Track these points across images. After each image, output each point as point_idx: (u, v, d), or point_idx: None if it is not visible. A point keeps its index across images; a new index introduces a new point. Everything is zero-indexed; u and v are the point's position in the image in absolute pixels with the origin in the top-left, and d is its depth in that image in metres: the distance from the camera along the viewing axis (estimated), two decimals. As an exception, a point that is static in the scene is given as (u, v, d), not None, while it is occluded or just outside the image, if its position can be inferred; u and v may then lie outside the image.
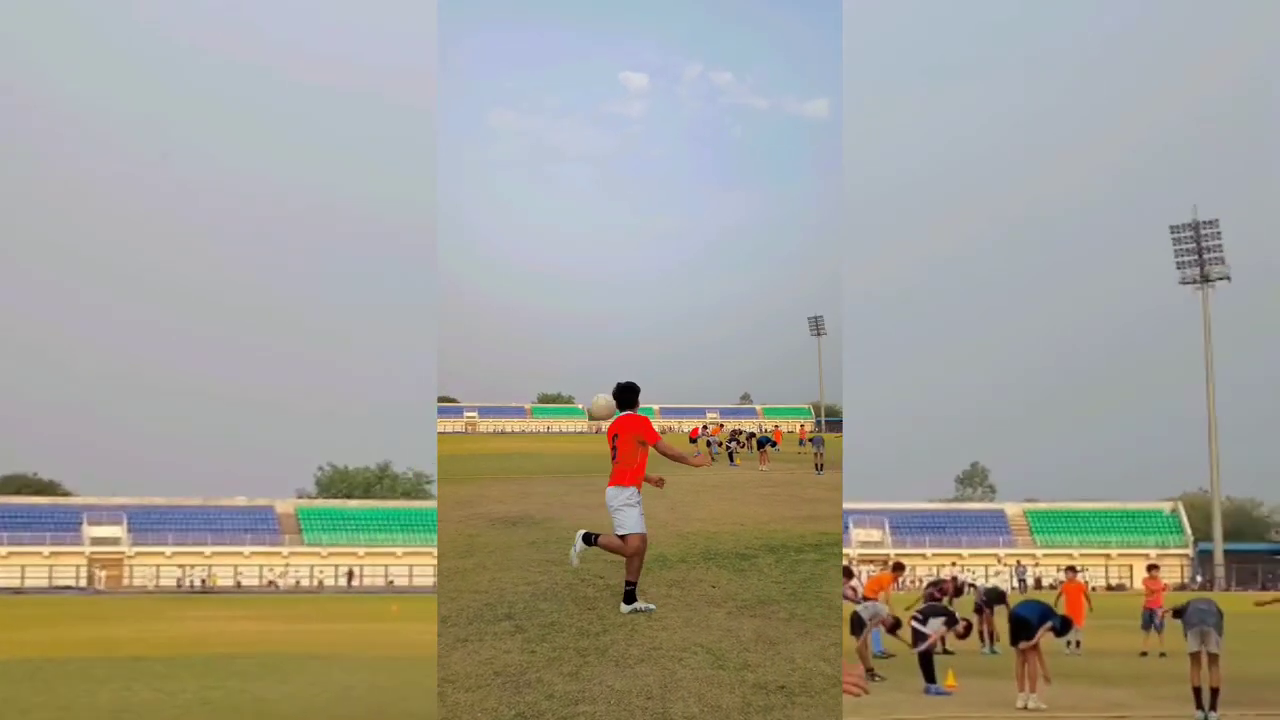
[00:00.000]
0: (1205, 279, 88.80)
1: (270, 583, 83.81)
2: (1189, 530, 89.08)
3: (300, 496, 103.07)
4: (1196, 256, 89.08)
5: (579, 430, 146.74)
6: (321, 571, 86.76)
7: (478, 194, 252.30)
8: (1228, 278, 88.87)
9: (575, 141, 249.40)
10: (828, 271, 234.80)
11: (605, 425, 13.86)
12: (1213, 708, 16.10)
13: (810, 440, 53.26)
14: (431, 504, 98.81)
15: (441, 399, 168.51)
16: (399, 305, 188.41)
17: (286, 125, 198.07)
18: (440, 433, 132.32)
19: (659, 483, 13.78)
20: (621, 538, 12.94)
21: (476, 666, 10.42)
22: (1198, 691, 16.25)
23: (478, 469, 48.76)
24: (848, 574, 22.11)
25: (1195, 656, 16.39)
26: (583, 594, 13.89)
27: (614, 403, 13.65)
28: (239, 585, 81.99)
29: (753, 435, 66.66)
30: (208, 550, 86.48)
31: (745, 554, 17.57)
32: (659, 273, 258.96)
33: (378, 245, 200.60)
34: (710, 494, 31.42)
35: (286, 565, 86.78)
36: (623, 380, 13.62)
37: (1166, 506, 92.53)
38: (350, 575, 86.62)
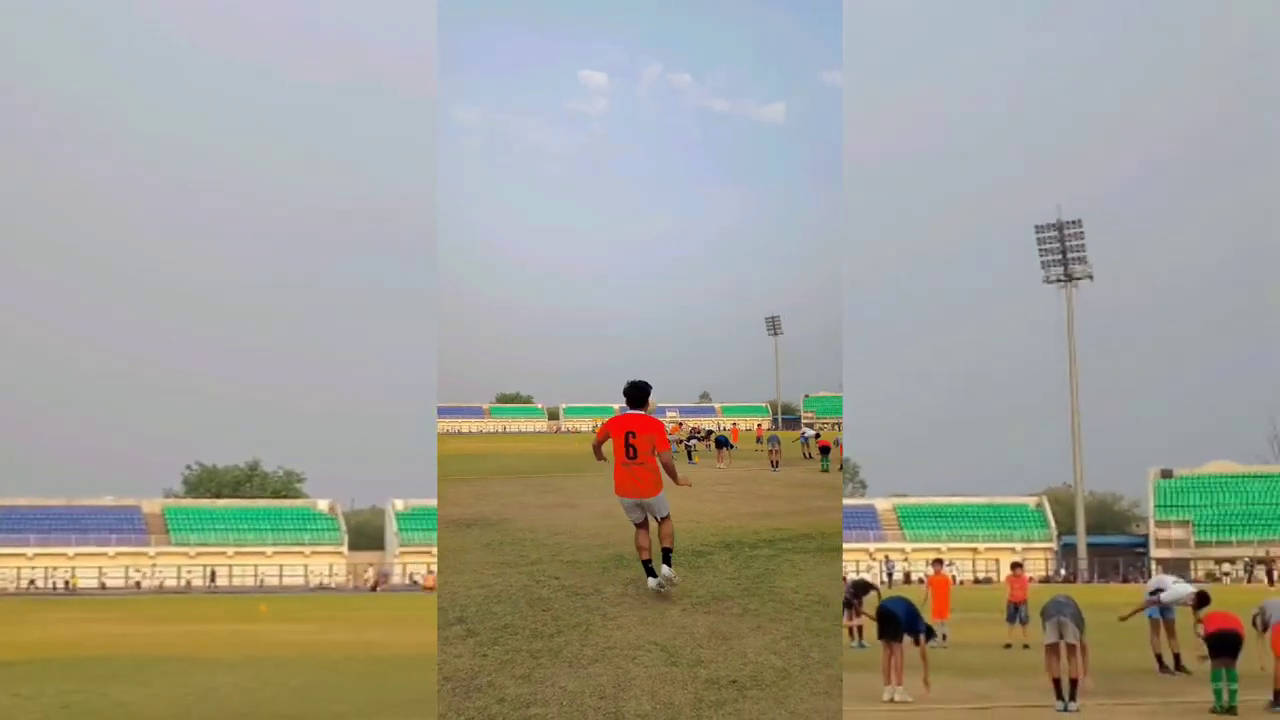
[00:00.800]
0: (1069, 278, 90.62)
1: (136, 584, 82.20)
2: (1053, 524, 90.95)
3: (168, 496, 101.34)
4: (1060, 256, 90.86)
5: (537, 430, 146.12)
6: (189, 572, 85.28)
7: (429, 189, 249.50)
8: (1090, 277, 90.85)
9: (536, 139, 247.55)
10: (786, 271, 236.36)
11: None
12: (1072, 698, 16.39)
13: (767, 439, 53.46)
14: (301, 503, 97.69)
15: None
16: (393, 308, 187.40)
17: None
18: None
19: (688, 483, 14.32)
20: (664, 520, 13.44)
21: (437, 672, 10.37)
22: (1057, 682, 16.53)
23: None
24: None
25: (1053, 648, 16.68)
26: (538, 595, 13.85)
27: None
28: (104, 587, 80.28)
29: (710, 433, 66.75)
30: (71, 551, 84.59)
31: (701, 551, 17.76)
32: (621, 272, 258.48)
33: (367, 248, 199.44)
34: (668, 492, 31.31)
35: (153, 566, 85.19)
36: (634, 379, 13.80)
37: (1031, 501, 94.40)
38: (213, 575, 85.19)
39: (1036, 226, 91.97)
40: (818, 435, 56.10)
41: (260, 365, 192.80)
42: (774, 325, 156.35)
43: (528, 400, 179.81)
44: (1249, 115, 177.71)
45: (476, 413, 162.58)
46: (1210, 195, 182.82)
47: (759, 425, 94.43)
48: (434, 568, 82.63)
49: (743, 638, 11.30)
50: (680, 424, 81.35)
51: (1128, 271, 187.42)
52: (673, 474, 13.67)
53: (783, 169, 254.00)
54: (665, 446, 13.39)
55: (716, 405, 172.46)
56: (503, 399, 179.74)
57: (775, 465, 47.14)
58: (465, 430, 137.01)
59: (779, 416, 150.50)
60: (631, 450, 13.25)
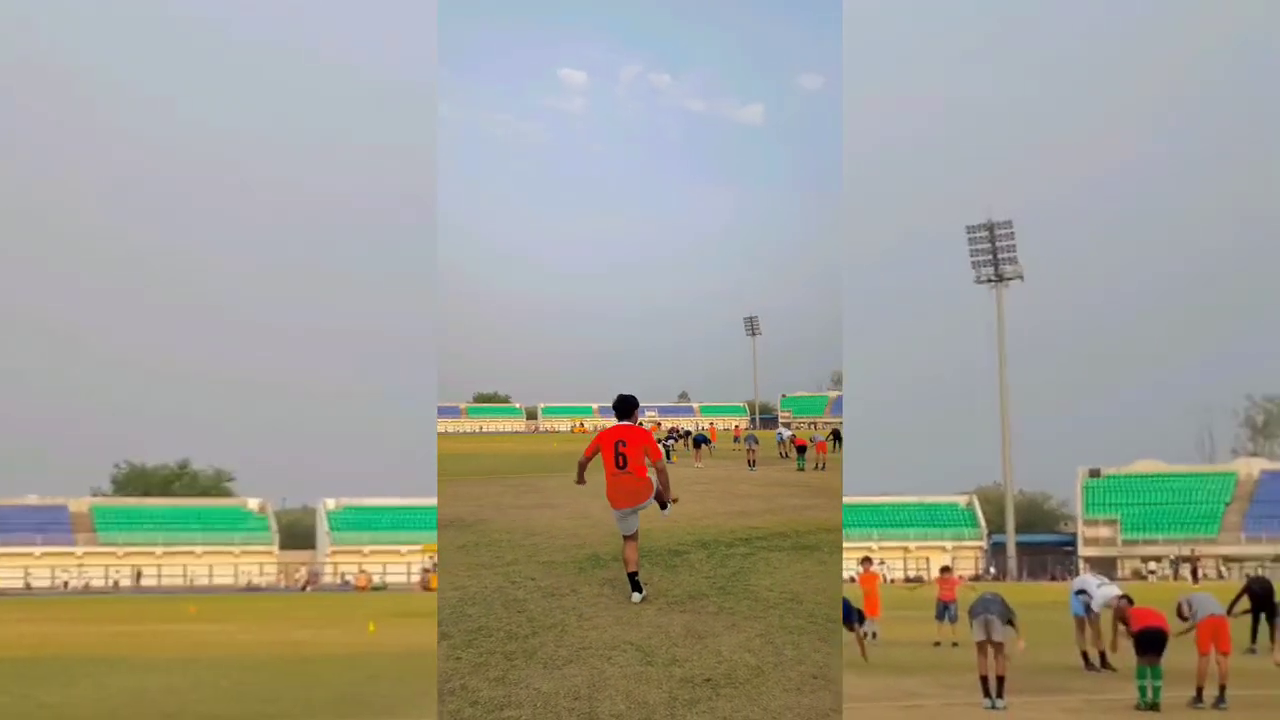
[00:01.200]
0: (999, 278, 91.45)
1: (64, 584, 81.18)
2: (983, 523, 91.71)
3: (96, 495, 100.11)
4: (991, 257, 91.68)
5: (515, 430, 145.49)
6: (117, 572, 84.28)
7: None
8: (1021, 277, 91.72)
9: (513, 136, 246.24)
10: (764, 272, 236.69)
11: None
12: (999, 694, 16.58)
13: (744, 438, 53.53)
14: (231, 502, 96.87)
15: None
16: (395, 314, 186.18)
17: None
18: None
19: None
20: (631, 538, 13.66)
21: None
22: (985, 680, 16.72)
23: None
24: None
25: (981, 646, 16.86)
26: (513, 596, 13.83)
27: None
28: (29, 587, 79.19)
29: (689, 433, 66.83)
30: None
31: (678, 550, 17.77)
32: (599, 272, 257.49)
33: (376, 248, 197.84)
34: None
35: (80, 566, 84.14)
36: (619, 388, 14.22)
37: (962, 500, 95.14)
38: (139, 575, 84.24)
39: (968, 227, 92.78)
40: (794, 435, 56.23)
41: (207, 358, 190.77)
42: (752, 326, 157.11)
43: (505, 400, 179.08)
44: (1187, 118, 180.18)
45: (454, 412, 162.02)
46: (1144, 197, 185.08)
47: (736, 426, 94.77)
48: (365, 568, 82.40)
49: (718, 636, 11.40)
50: (658, 424, 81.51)
51: (1059, 272, 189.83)
52: (665, 485, 13.83)
53: (761, 170, 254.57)
54: (657, 455, 13.58)
55: (695, 405, 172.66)
56: (480, 399, 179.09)
57: (752, 465, 47.31)
58: (443, 430, 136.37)
59: (757, 416, 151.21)
60: (621, 459, 13.41)
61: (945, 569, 29.59)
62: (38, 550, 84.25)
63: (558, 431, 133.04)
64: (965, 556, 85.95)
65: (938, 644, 25.85)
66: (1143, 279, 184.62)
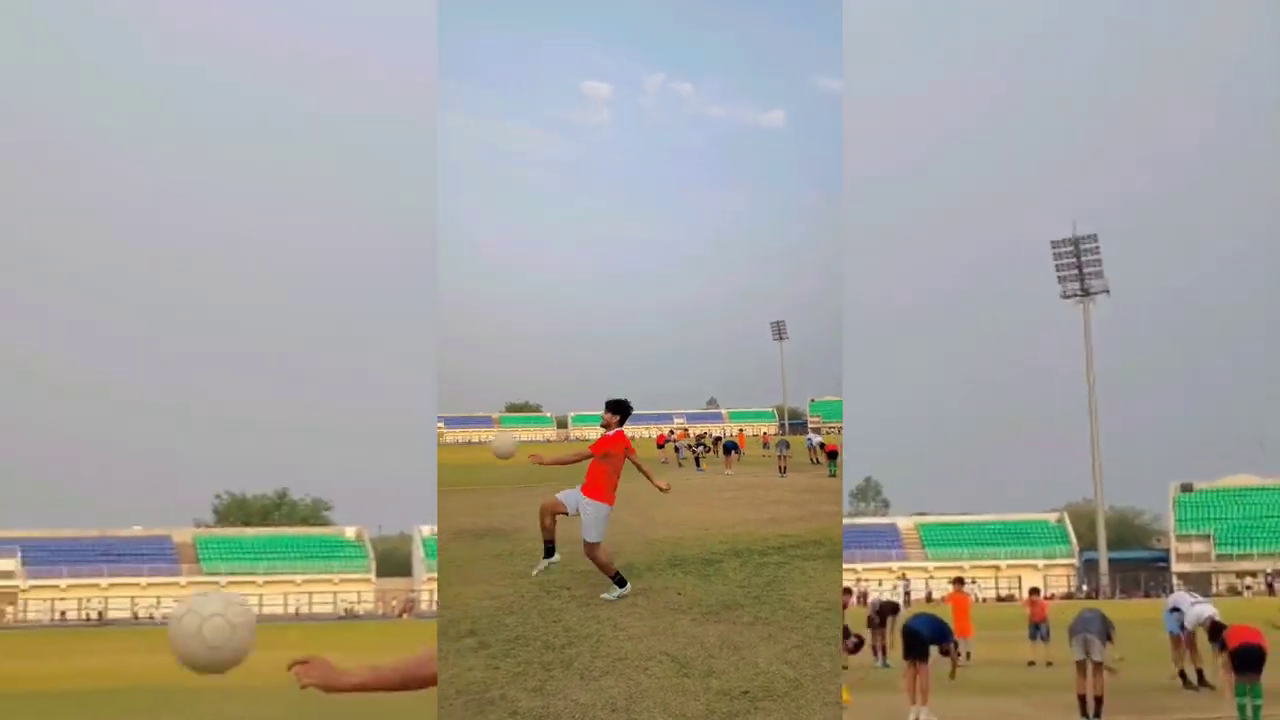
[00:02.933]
0: (1085, 293, 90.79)
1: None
2: (1074, 540, 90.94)
3: (198, 525, 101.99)
4: (1077, 271, 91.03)
5: (546, 439, 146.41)
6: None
7: (435, 198, 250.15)
8: (1107, 291, 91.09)
9: (537, 148, 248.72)
10: (790, 276, 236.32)
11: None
12: (1097, 714, 16.83)
13: (775, 444, 53.41)
14: (329, 530, 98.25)
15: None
16: (395, 320, 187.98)
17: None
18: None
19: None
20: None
21: (438, 685, 10.31)
22: (1083, 699, 16.94)
23: (443, 480, 48.42)
24: None
25: (1080, 665, 17.10)
26: (549, 605, 13.75)
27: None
28: (135, 617, 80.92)
29: (718, 439, 66.89)
30: (104, 582, 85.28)
31: (710, 559, 17.56)
32: (626, 279, 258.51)
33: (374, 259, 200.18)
34: (675, 499, 31.22)
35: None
36: (619, 397, 14.42)
37: (1052, 517, 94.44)
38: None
39: (1052, 242, 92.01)
40: (824, 441, 55.95)
41: (283, 390, 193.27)
42: (779, 330, 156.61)
43: (536, 409, 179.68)
44: (1267, 122, 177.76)
45: (486, 422, 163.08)
46: (1230, 204, 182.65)
47: (765, 432, 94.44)
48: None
49: (754, 647, 11.18)
50: (686, 430, 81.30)
51: (1145, 285, 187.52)
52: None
53: (786, 174, 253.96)
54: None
55: (723, 411, 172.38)
56: (512, 408, 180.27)
57: (783, 471, 47.09)
58: (476, 440, 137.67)
59: (786, 421, 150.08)
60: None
61: (1034, 590, 29.75)
62: (144, 580, 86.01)
63: (588, 439, 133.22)
64: (1057, 575, 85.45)
65: (1031, 663, 26.03)
66: (1231, 288, 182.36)
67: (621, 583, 14.09)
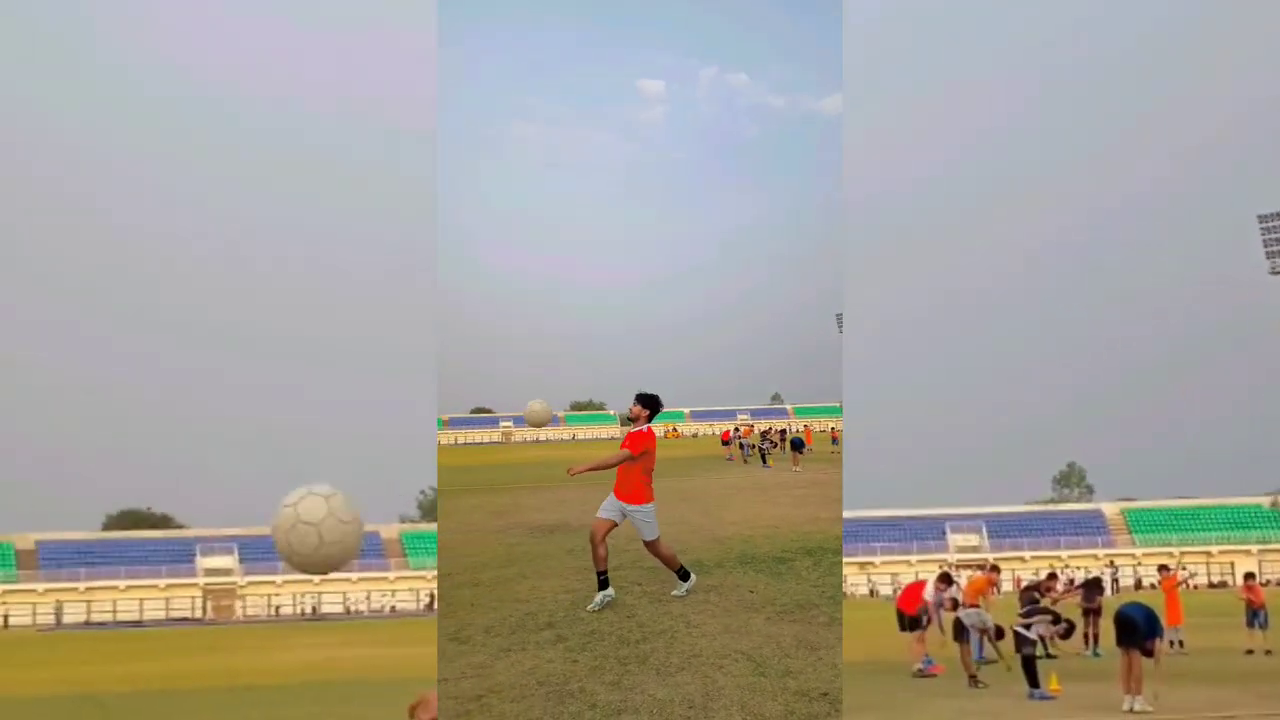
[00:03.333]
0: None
1: (390, 607, 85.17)
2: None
3: (403, 521, 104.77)
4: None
5: (611, 437, 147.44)
6: (426, 595, 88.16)
7: (482, 204, 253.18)
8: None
9: (592, 149, 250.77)
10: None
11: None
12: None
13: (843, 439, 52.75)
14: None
15: (477, 410, 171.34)
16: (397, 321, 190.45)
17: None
18: (478, 443, 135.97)
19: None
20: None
21: (520, 676, 10.40)
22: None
23: (514, 478, 48.24)
24: (947, 579, 20.90)
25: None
26: (622, 601, 13.78)
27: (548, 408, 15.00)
28: (348, 611, 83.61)
29: (784, 435, 65.96)
30: (317, 579, 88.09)
31: (782, 557, 17.33)
32: (686, 276, 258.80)
33: (380, 257, 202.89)
34: (743, 496, 31.24)
35: (393, 590, 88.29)
36: (649, 390, 14.00)
37: (1265, 501, 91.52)
38: (431, 599, 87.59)
39: (1260, 216, 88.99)
40: None
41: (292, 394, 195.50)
42: (843, 322, 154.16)
43: (601, 407, 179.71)
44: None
45: (553, 421, 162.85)
46: None
47: (833, 428, 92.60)
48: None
49: (832, 648, 11.05)
50: (751, 426, 79.90)
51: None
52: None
53: (846, 161, 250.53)
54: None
55: (788, 406, 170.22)
56: (576, 407, 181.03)
57: None
58: (544, 438, 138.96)
59: None
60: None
61: (1249, 575, 28.63)
62: (354, 576, 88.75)
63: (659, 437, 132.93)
64: (1273, 560, 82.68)
65: (1250, 652, 24.74)
66: None
67: (685, 576, 14.14)
